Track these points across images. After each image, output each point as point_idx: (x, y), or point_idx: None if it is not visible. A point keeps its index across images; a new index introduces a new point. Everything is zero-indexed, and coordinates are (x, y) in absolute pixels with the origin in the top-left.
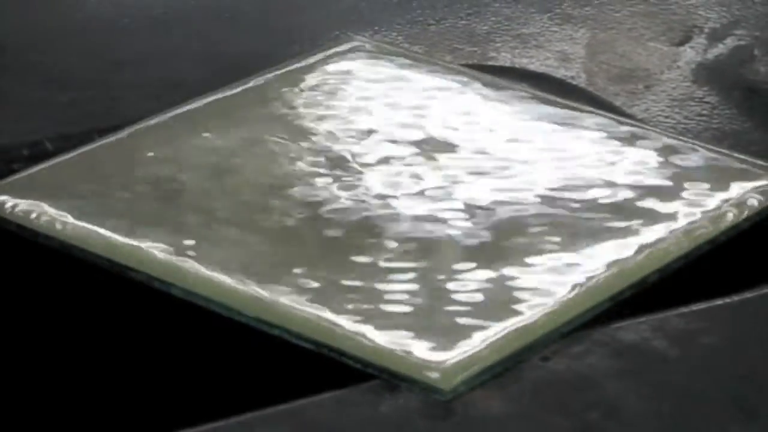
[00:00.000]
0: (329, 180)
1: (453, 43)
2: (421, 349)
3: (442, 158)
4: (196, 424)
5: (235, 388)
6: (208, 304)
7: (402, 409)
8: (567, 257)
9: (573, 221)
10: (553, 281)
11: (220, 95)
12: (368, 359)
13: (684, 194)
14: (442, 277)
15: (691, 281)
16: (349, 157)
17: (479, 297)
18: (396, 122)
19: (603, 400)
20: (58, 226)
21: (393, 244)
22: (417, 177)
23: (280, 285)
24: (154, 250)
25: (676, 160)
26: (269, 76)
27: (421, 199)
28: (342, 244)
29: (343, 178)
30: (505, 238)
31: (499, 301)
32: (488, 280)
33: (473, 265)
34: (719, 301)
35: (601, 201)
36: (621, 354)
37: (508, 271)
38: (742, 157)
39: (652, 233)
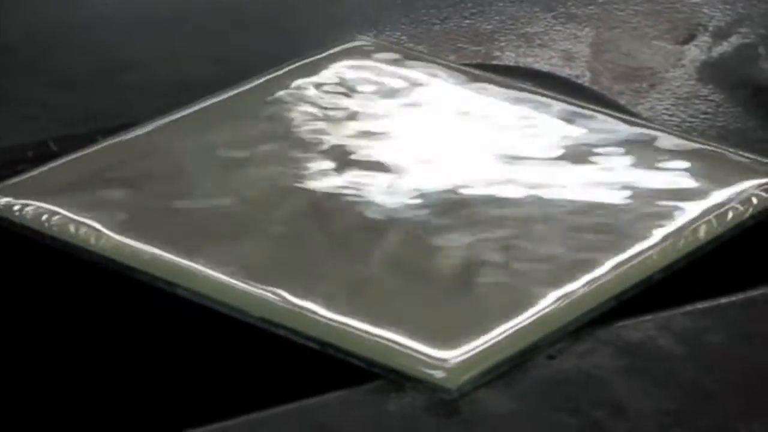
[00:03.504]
0: (334, 180)
1: (457, 42)
2: (426, 348)
3: (447, 158)
4: (202, 424)
5: (241, 388)
6: (212, 304)
7: (408, 409)
8: (572, 256)
9: (577, 220)
10: (559, 280)
11: (225, 95)
12: (374, 358)
13: (688, 192)
14: (447, 276)
15: (696, 279)
16: (354, 157)
17: (485, 295)
18: (400, 122)
19: (609, 398)
20: (64, 228)
21: (398, 244)
22: (422, 176)
23: (286, 285)
24: (159, 251)
25: (681, 158)
26: (274, 76)
27: (427, 198)
28: (347, 243)
29: (348, 179)
30: (510, 237)
31: (504, 300)
32: (494, 280)
33: (479, 264)
34: (724, 299)
35: (604, 200)
36: (627, 352)
37: (514, 270)
38: (747, 154)
39: (656, 231)
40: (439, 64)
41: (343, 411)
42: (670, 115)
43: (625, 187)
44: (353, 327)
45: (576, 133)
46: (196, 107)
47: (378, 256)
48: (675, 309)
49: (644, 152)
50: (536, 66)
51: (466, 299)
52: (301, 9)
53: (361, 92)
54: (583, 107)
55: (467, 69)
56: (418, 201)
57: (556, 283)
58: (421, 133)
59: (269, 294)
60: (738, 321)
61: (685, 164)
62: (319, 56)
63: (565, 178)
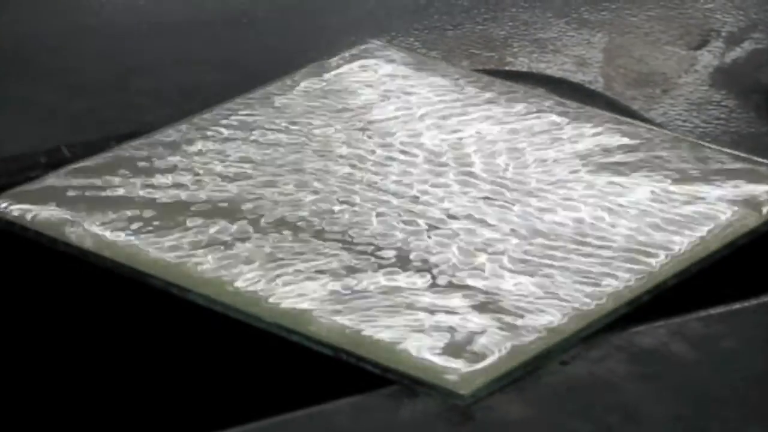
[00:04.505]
0: (345, 184)
1: (470, 48)
2: (439, 354)
3: (457, 164)
4: (216, 430)
5: (255, 394)
6: (226, 310)
7: (421, 415)
8: (585, 262)
9: (591, 225)
10: (572, 285)
11: (236, 101)
12: (387, 364)
13: (702, 198)
14: (459, 282)
15: (709, 285)
16: (362, 162)
17: (497, 302)
18: (411, 127)
19: (622, 403)
20: (77, 233)
21: (410, 249)
22: (431, 182)
23: (298, 290)
24: (172, 257)
25: (694, 164)
26: (285, 81)
27: (443, 201)
28: (359, 248)
29: (357, 183)
30: (523, 244)
31: (517, 306)
32: (506, 285)
33: (492, 270)
34: (738, 305)
35: (619, 205)
36: (640, 358)
37: (526, 276)
38: (761, 160)
39: (670, 237)
40: (451, 70)
41: (356, 416)
42: (683, 121)
43: (637, 193)
44: (366, 333)
45: (590, 139)
46: (208, 113)
47: (391, 262)
48: (688, 315)
49: (657, 158)
50: (549, 72)
51: (478, 305)
52: (313, 15)
53: (373, 98)
54: (596, 113)
55: (480, 74)
56: (434, 204)
57: (568, 289)
58: (433, 138)
59: (282, 300)
60: (751, 326)
61: (699, 170)
62: (331, 62)
63: (576, 184)
